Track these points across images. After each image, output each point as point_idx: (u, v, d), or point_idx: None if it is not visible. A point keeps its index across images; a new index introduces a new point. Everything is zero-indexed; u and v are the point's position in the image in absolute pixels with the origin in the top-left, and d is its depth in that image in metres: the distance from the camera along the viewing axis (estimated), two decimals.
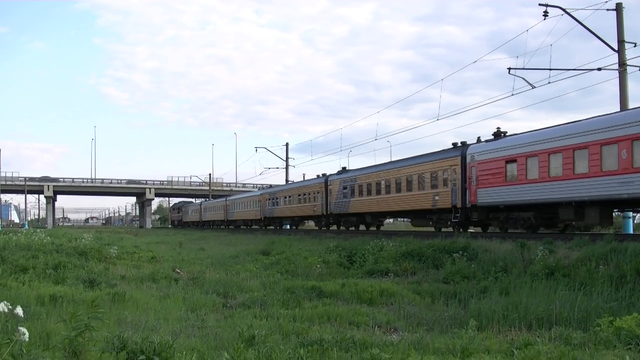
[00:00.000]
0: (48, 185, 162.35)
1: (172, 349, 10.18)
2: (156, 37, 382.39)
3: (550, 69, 39.86)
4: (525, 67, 40.67)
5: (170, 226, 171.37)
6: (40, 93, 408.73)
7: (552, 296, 17.24)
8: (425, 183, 46.54)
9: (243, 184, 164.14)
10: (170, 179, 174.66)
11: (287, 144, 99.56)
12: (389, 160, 59.34)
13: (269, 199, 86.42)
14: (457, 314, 17.10)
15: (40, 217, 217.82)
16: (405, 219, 60.18)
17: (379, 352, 10.61)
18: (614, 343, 11.95)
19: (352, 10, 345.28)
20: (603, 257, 21.03)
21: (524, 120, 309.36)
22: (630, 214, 37.61)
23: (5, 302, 5.81)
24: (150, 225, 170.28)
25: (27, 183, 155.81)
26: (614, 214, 34.55)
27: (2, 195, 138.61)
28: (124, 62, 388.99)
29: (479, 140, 42.66)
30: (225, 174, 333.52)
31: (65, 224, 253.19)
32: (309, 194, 71.68)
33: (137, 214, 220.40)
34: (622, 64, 38.04)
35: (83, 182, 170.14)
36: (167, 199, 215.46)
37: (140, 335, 10.80)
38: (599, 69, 38.84)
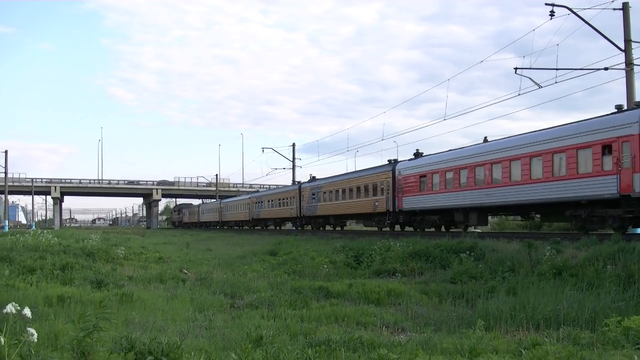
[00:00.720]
0: (55, 186, 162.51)
1: (180, 349, 10.18)
2: (163, 37, 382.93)
3: (556, 69, 39.82)
4: (532, 67, 40.61)
5: (171, 227, 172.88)
6: (46, 94, 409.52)
7: (559, 296, 17.21)
8: (369, 191, 58.83)
9: (250, 184, 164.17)
10: (177, 180, 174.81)
11: (293, 145, 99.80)
12: (352, 170, 72.59)
13: (256, 202, 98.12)
14: (465, 314, 17.09)
15: (48, 218, 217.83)
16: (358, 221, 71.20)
17: (386, 352, 10.61)
18: (622, 343, 11.93)
19: (358, 10, 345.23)
20: (610, 257, 20.99)
21: (531, 120, 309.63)
22: None
23: (14, 303, 5.82)
24: (157, 226, 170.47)
25: (34, 184, 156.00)
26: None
27: (9, 196, 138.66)
28: (130, 63, 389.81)
29: (419, 154, 54.26)
30: (232, 175, 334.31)
31: (72, 224, 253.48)
32: (287, 198, 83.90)
33: (144, 214, 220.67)
34: (629, 64, 37.94)
35: (90, 183, 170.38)
36: (173, 199, 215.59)
37: (148, 336, 10.81)
38: (606, 69, 38.75)
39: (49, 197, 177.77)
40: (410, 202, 50.66)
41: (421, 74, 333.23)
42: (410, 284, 23.24)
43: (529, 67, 40.57)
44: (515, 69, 40.50)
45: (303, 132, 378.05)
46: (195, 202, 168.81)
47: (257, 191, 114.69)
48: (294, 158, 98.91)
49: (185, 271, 28.44)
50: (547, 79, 38.19)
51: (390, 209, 53.75)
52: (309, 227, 77.24)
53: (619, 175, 30.18)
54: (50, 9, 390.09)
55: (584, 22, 39.02)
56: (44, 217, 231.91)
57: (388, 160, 58.61)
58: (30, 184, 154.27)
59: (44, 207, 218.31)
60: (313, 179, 79.11)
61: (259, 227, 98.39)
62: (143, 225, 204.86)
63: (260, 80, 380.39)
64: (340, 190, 66.01)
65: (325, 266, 28.70)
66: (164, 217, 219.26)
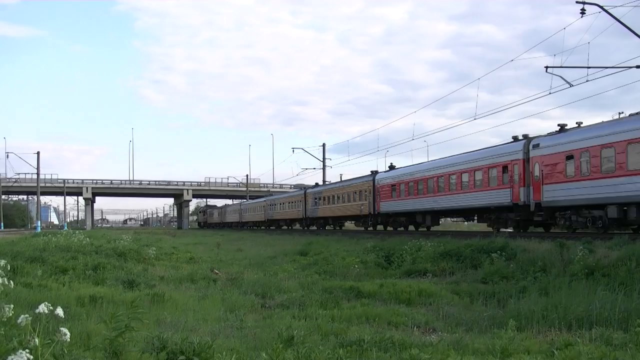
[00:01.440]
0: (87, 187, 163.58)
1: (212, 349, 10.20)
2: (193, 38, 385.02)
3: (588, 67, 39.57)
4: (563, 66, 40.38)
5: (197, 227, 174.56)
6: (79, 95, 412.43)
7: (591, 296, 17.05)
8: (356, 197, 69.81)
9: (280, 184, 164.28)
10: (208, 180, 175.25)
11: (323, 145, 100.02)
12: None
13: (270, 205, 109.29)
14: (496, 314, 16.98)
15: (79, 218, 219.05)
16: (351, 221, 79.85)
17: (418, 352, 10.58)
18: None
19: (388, 10, 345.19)
20: None
21: (562, 118, 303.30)
22: None
23: (46, 302, 5.84)
24: (188, 226, 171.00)
25: (66, 185, 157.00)
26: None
27: (41, 197, 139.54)
28: (161, 64, 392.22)
29: (393, 167, 65.94)
30: (262, 175, 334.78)
31: (104, 225, 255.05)
32: (295, 202, 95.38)
33: (175, 215, 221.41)
34: None
35: (121, 183, 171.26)
36: (204, 200, 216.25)
37: (180, 336, 10.83)
38: (638, 67, 38.45)
39: (80, 198, 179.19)
40: (386, 206, 62.83)
41: (451, 74, 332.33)
42: (441, 284, 23.16)
43: (559, 65, 40.35)
44: (546, 67, 40.29)
45: (334, 133, 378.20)
46: (227, 202, 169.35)
47: (272, 195, 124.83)
48: (324, 158, 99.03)
49: (216, 271, 28.48)
50: (578, 78, 37.74)
51: (372, 212, 65.29)
52: (314, 227, 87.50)
53: (512, 189, 41.71)
54: (83, 11, 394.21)
55: (615, 20, 38.72)
56: (75, 218, 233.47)
57: (371, 171, 69.60)
58: (62, 185, 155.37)
59: (76, 208, 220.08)
60: (316, 184, 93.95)
61: (273, 227, 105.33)
62: (174, 226, 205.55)
63: (290, 80, 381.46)
64: (336, 196, 76.99)
65: (356, 266, 28.64)
66: (195, 218, 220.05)
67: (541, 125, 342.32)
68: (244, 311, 17.64)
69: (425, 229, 56.52)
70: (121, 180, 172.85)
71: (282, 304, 18.97)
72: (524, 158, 40.38)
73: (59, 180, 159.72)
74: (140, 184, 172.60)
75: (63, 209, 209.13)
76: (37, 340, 5.72)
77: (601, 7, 38.44)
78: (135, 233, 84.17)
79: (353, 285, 21.82)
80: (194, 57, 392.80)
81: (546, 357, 11.09)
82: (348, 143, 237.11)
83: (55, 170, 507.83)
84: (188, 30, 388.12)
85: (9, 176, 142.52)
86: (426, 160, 61.42)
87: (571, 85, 39.89)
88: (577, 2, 38.03)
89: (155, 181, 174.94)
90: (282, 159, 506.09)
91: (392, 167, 65.93)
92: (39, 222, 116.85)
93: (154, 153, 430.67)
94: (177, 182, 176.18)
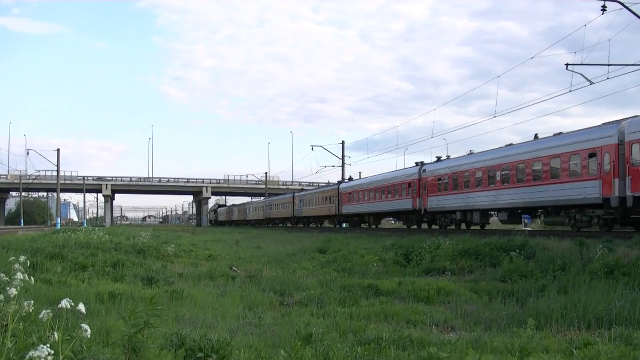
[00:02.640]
0: (106, 184, 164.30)
1: (230, 346, 10.20)
2: (214, 35, 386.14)
3: (609, 64, 39.38)
4: (583, 63, 40.20)
5: (208, 224, 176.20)
6: (99, 92, 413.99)
7: (611, 295, 16.98)
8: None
9: (299, 182, 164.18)
10: (227, 178, 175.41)
11: (342, 142, 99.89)
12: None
13: (268, 205, 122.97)
14: (515, 312, 16.94)
15: (99, 215, 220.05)
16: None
17: (436, 350, 10.55)
18: None
19: (409, 7, 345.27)
20: None
21: (583, 116, 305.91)
22: None
23: (68, 298, 5.86)
24: (207, 224, 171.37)
25: (86, 182, 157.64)
26: None
27: (61, 194, 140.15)
28: (182, 61, 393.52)
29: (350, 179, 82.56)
30: (281, 172, 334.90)
31: (123, 222, 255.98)
32: (284, 204, 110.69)
33: (194, 212, 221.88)
34: None
35: (140, 180, 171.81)
36: (223, 197, 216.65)
37: (199, 333, 10.85)
38: None
39: (100, 195, 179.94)
40: (350, 208, 75.40)
41: (473, 70, 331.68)
42: (460, 282, 23.08)
43: (580, 63, 40.18)
44: (567, 65, 40.10)
45: (354, 130, 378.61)
46: (245, 199, 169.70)
47: (267, 196, 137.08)
48: (343, 156, 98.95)
49: (235, 269, 28.53)
50: (599, 75, 37.53)
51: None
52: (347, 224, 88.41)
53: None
54: (104, 8, 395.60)
55: (636, 17, 38.50)
56: (95, 215, 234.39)
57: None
58: (82, 182, 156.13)
59: (95, 205, 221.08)
60: (302, 189, 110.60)
61: (301, 225, 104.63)
62: (193, 223, 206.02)
63: (311, 77, 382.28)
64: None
65: (374, 264, 28.59)
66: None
67: (562, 123, 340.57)
68: (263, 308, 17.68)
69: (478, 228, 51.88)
70: (140, 178, 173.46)
71: (300, 302, 18.98)
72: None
73: (78, 177, 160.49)
74: (159, 181, 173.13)
75: (82, 206, 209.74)
76: (56, 335, 5.73)
77: (622, 3, 38.23)
78: (154, 230, 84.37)
79: (372, 283, 21.82)
80: (214, 54, 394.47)
81: (565, 357, 11.06)
82: (367, 140, 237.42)
83: (75, 167, 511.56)
84: (209, 27, 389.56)
85: (29, 173, 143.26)
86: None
87: (591, 83, 39.72)
88: None
89: (175, 178, 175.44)
90: (302, 156, 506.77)
91: (350, 179, 69.44)
92: (59, 219, 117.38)
93: (174, 150, 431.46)
94: (196, 179, 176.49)
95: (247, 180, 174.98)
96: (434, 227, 58.55)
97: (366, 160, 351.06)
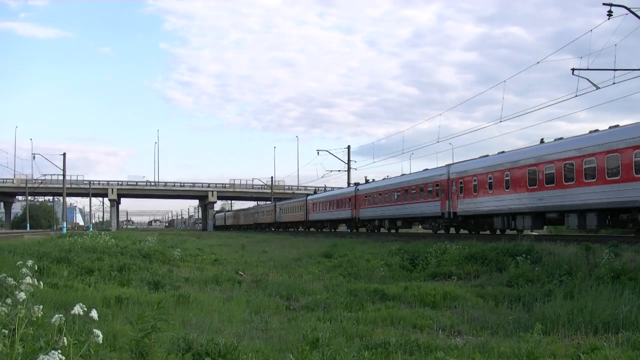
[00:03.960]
0: (112, 189, 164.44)
1: (237, 350, 10.23)
2: (221, 40, 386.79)
3: (614, 70, 39.32)
4: (590, 68, 40.14)
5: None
6: (106, 97, 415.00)
7: (618, 300, 16.99)
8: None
9: (305, 186, 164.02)
10: (233, 182, 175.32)
11: (348, 147, 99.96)
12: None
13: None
14: (522, 317, 16.93)
15: (105, 219, 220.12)
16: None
17: (443, 355, 10.57)
18: None
19: (416, 12, 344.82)
20: None
21: (589, 121, 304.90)
22: None
23: (81, 304, 5.89)
24: (213, 228, 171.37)
25: (92, 186, 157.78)
26: None
27: (67, 198, 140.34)
28: (188, 66, 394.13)
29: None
30: (287, 177, 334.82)
31: (129, 226, 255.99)
32: (296, 207, 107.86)
33: (200, 216, 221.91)
34: None
35: (146, 185, 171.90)
36: (229, 201, 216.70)
37: (205, 337, 10.86)
38: None
39: (106, 199, 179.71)
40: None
41: (479, 76, 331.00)
42: (466, 287, 23.09)
43: (586, 68, 40.13)
44: (573, 70, 40.06)
45: (360, 135, 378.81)
46: (251, 204, 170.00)
47: (315, 192, 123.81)
48: (348, 160, 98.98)
49: (241, 273, 28.56)
50: (605, 80, 37.41)
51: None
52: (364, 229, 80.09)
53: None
54: (111, 13, 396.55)
55: None
56: (101, 219, 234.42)
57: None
58: (88, 186, 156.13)
59: (101, 209, 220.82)
60: (315, 191, 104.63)
61: (313, 229, 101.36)
62: (199, 227, 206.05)
63: (317, 82, 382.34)
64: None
65: (380, 269, 28.65)
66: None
67: (568, 128, 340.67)
68: (269, 313, 17.71)
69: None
70: (146, 182, 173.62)
71: (307, 306, 18.99)
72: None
73: (84, 182, 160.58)
74: (165, 185, 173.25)
75: (89, 210, 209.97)
76: (65, 340, 5.75)
77: (628, 9, 38.23)
78: (160, 234, 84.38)
79: (378, 288, 21.84)
80: (221, 59, 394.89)
81: None
82: (373, 145, 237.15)
83: (81, 171, 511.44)
84: (215, 32, 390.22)
85: (35, 177, 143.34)
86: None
87: (598, 88, 39.66)
88: (604, 4, 37.82)
89: (181, 183, 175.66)
90: (307, 161, 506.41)
91: (315, 192, 61.40)
92: (65, 223, 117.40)
93: (180, 154, 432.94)
94: (202, 183, 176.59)
95: (252, 185, 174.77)
96: (462, 231, 53.90)
97: (372, 165, 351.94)
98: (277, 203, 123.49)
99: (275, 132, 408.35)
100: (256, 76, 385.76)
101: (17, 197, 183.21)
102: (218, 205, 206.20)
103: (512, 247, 28.68)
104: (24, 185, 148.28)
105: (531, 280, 22.93)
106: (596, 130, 36.83)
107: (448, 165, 54.91)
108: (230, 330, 14.10)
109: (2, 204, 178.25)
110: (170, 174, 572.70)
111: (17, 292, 6.15)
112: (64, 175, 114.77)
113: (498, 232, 46.92)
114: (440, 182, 54.36)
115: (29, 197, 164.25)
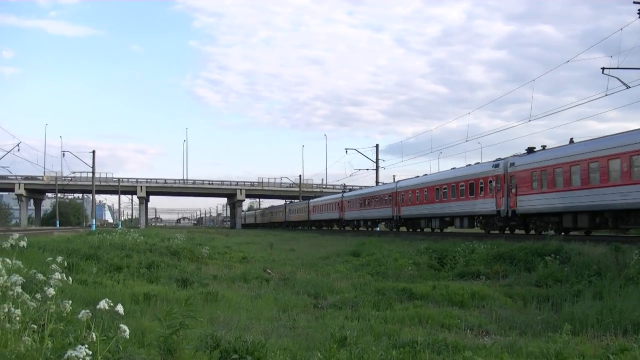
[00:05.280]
0: (141, 186, 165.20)
1: (265, 348, 10.22)
2: (250, 38, 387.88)
3: None
4: (620, 67, 39.86)
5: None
6: (135, 95, 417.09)
7: None
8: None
9: (333, 185, 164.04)
10: (261, 180, 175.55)
11: (377, 146, 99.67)
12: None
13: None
14: (550, 317, 16.83)
15: (133, 217, 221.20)
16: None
17: (471, 354, 10.52)
18: None
19: (445, 10, 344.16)
20: None
21: (619, 120, 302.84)
22: None
23: (107, 299, 5.91)
24: (241, 226, 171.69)
25: (121, 184, 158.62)
26: None
27: (96, 195, 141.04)
28: (217, 64, 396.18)
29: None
30: (315, 175, 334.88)
31: (158, 224, 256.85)
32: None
33: (228, 214, 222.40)
34: None
35: (175, 183, 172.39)
36: (257, 200, 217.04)
37: (233, 335, 10.88)
38: None
39: (135, 197, 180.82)
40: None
41: (508, 74, 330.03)
42: (494, 286, 22.96)
43: (616, 67, 39.85)
44: (603, 69, 39.80)
45: (388, 133, 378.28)
46: (279, 202, 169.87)
47: (301, 199, 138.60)
48: (377, 159, 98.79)
49: (269, 271, 28.55)
50: (636, 79, 37.03)
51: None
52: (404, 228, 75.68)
53: None
54: (141, 11, 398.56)
55: None
56: (130, 216, 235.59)
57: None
58: (117, 184, 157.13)
59: (130, 207, 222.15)
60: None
61: (349, 228, 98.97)
62: (227, 225, 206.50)
63: (346, 81, 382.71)
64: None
65: (408, 268, 28.57)
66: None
67: (598, 127, 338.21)
68: (297, 311, 17.67)
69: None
70: (175, 180, 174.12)
71: (334, 305, 18.96)
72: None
73: (113, 179, 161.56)
74: (194, 183, 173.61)
75: (117, 208, 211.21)
76: (94, 335, 5.77)
77: None
78: (188, 232, 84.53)
79: (406, 287, 21.77)
80: (250, 57, 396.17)
81: None
82: (402, 144, 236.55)
83: (110, 169, 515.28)
84: (244, 30, 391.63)
85: (65, 175, 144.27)
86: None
87: (628, 87, 39.39)
88: (634, 2, 37.54)
89: (209, 181, 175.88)
90: (335, 159, 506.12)
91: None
92: (94, 220, 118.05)
93: (208, 152, 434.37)
94: (231, 181, 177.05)
95: (281, 183, 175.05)
96: (517, 232, 48.91)
97: (400, 164, 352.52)
98: (310, 201, 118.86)
99: (303, 130, 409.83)
100: (285, 74, 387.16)
101: (46, 194, 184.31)
102: (246, 203, 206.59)
103: (541, 247, 28.51)
104: (53, 182, 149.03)
105: (560, 280, 22.79)
106: None
107: (505, 159, 49.39)
108: (257, 328, 14.11)
109: (32, 201, 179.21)
110: (199, 172, 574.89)
111: (46, 288, 6.18)
112: (93, 172, 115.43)
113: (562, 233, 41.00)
114: (496, 176, 49.58)
115: (59, 195, 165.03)
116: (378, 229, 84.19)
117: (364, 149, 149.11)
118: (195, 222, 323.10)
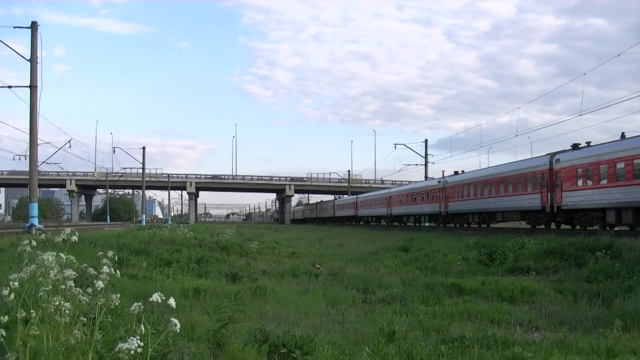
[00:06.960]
0: (190, 182, 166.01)
1: (313, 342, 10.23)
2: (299, 34, 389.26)
3: None
4: None
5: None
6: (185, 91, 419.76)
7: None
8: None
9: (382, 180, 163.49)
10: (310, 176, 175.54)
11: (426, 141, 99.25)
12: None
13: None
14: (601, 313, 16.68)
15: (183, 212, 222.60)
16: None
17: (521, 350, 10.44)
18: None
19: (495, 4, 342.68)
20: None
21: None
22: None
23: (159, 293, 5.95)
24: (290, 221, 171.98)
25: (171, 180, 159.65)
26: None
27: (146, 191, 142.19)
28: (267, 60, 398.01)
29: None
30: (364, 171, 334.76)
31: (207, 219, 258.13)
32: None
33: (277, 209, 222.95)
34: None
35: (224, 178, 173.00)
36: (306, 195, 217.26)
37: (282, 329, 10.90)
38: None
39: (184, 193, 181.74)
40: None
41: (559, 68, 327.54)
42: (544, 282, 22.81)
43: None
44: None
45: (437, 128, 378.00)
46: (327, 198, 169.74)
47: (350, 195, 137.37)
48: (426, 154, 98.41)
49: (318, 266, 28.62)
50: None
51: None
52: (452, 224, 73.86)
53: None
54: (190, 8, 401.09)
55: None
56: (179, 212, 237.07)
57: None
58: (166, 180, 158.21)
59: (180, 202, 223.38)
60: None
61: (397, 224, 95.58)
62: (276, 221, 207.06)
63: (395, 76, 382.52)
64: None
65: (457, 263, 28.48)
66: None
67: None
68: (345, 306, 17.69)
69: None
70: (224, 175, 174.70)
71: (383, 300, 18.97)
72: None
73: (163, 175, 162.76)
74: (243, 179, 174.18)
75: (167, 203, 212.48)
76: (143, 328, 5.82)
77: None
78: (237, 227, 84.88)
79: (455, 282, 21.73)
80: (298, 53, 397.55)
81: None
82: (451, 139, 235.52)
83: (160, 165, 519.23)
84: (293, 26, 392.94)
85: (115, 171, 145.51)
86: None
87: None
88: None
89: (258, 176, 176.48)
90: (384, 154, 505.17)
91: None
92: (144, 216, 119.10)
93: (257, 148, 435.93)
94: (280, 177, 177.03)
95: (329, 179, 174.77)
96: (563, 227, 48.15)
97: (449, 159, 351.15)
98: (358, 196, 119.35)
99: (352, 125, 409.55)
100: (334, 70, 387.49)
101: (97, 190, 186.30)
102: (295, 198, 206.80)
103: (592, 243, 28.26)
104: (104, 178, 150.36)
105: (611, 276, 22.53)
106: None
107: (551, 155, 48.85)
108: (306, 323, 14.12)
109: (83, 196, 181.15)
110: (248, 168, 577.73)
111: (96, 282, 6.24)
112: (143, 168, 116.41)
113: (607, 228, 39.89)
114: (542, 172, 49.10)
115: (109, 190, 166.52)
116: (427, 224, 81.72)
117: (412, 144, 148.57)
118: (245, 218, 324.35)
